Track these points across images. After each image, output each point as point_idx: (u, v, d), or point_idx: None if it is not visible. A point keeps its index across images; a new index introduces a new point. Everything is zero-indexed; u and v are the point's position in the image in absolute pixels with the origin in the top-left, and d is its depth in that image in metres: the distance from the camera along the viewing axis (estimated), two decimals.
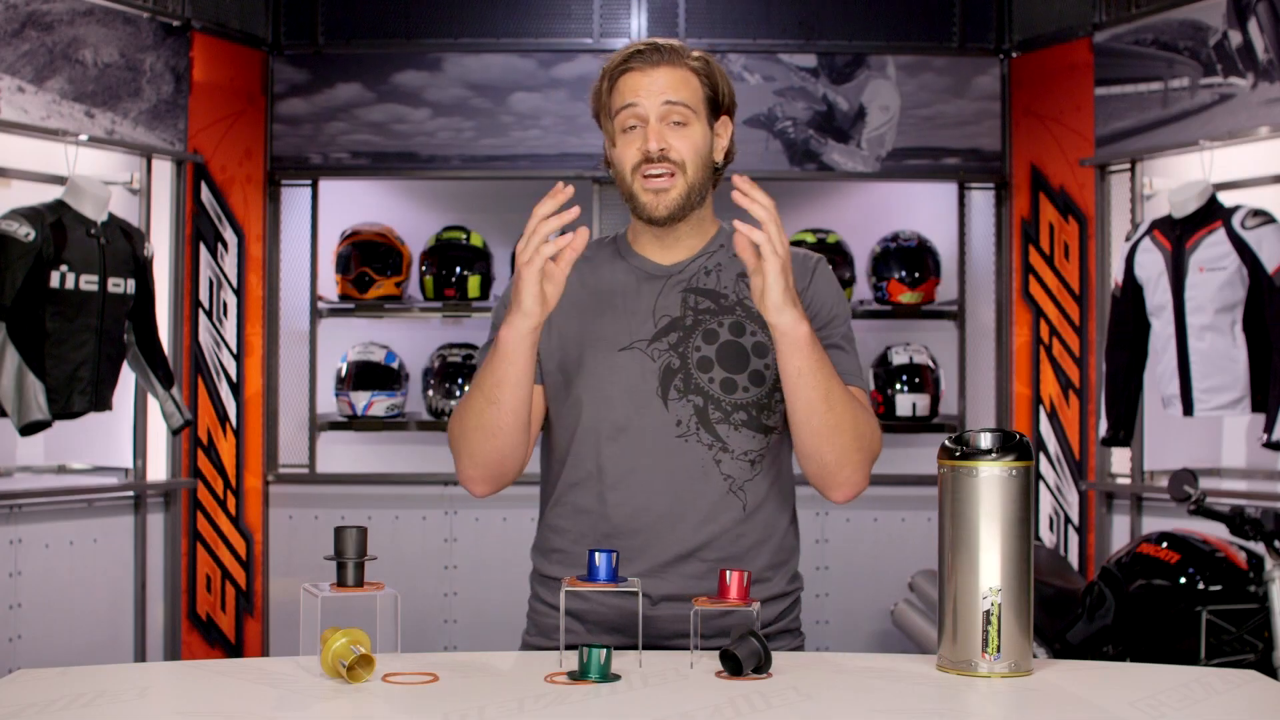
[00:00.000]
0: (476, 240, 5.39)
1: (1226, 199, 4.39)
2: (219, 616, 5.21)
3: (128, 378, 4.64)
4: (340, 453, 5.48)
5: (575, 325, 2.14)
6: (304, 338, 5.39)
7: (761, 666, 1.86)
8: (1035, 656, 1.90)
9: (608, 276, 2.17)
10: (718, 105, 2.14)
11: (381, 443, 5.48)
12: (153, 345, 4.60)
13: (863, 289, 5.47)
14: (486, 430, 2.05)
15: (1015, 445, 1.87)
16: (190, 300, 5.06)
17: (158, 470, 4.98)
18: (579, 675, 1.83)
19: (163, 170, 4.97)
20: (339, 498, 5.39)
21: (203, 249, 5.13)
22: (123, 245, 4.43)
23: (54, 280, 4.20)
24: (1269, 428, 4.11)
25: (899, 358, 5.36)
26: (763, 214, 1.89)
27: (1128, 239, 4.64)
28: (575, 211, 1.94)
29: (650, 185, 2.09)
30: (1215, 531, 3.70)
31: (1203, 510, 3.38)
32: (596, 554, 1.92)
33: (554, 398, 2.14)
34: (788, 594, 2.17)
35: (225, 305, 5.21)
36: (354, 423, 5.35)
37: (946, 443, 1.92)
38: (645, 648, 1.92)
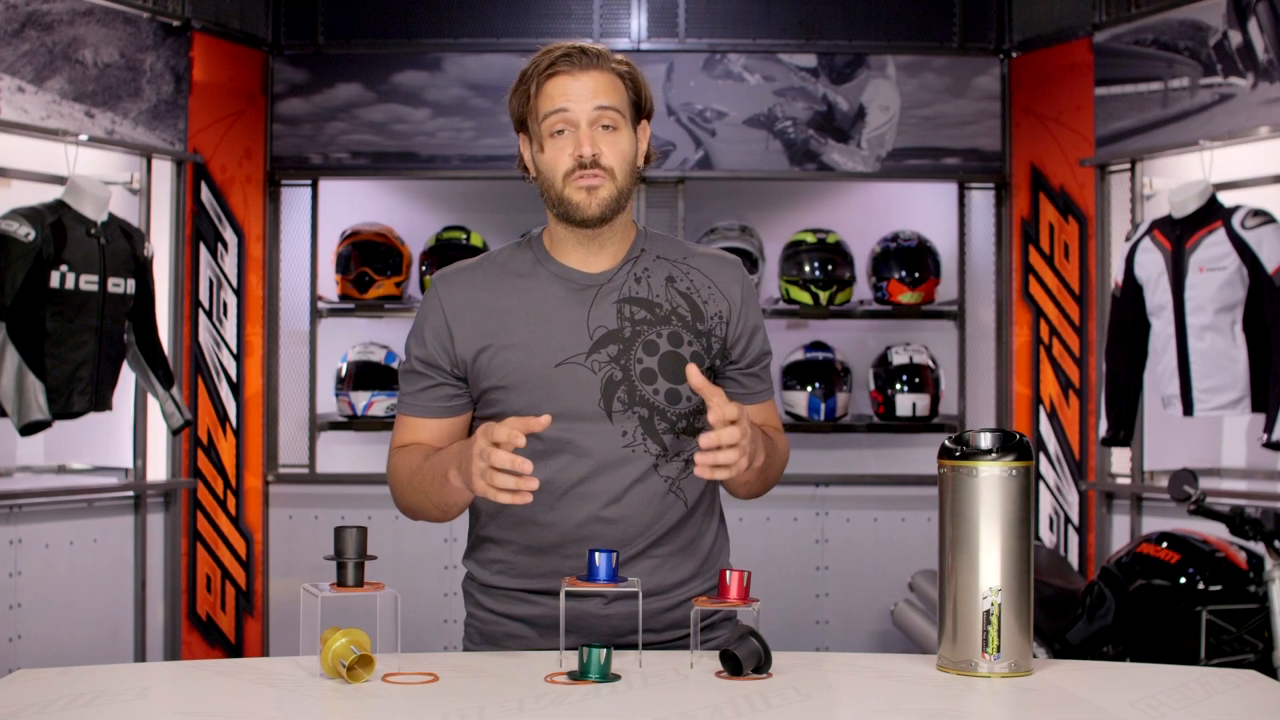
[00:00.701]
0: (476, 240, 5.38)
1: (1226, 199, 4.39)
2: (219, 616, 5.21)
3: (128, 378, 4.64)
4: (340, 453, 5.48)
5: (506, 340, 2.11)
6: (304, 338, 5.39)
7: (761, 666, 1.86)
8: (1035, 656, 1.91)
9: (532, 287, 2.14)
10: (640, 109, 2.16)
11: (381, 443, 5.46)
12: (153, 345, 4.60)
13: (863, 289, 5.47)
14: (432, 519, 2.15)
15: (1015, 445, 1.88)
16: (190, 300, 5.06)
17: (158, 470, 4.97)
18: (579, 675, 1.83)
19: (163, 170, 4.97)
20: (339, 498, 5.38)
21: (203, 249, 5.12)
22: (123, 245, 4.43)
23: (54, 280, 4.20)
24: (1269, 428, 4.10)
25: (899, 358, 5.36)
26: (735, 456, 1.90)
27: (1128, 239, 4.64)
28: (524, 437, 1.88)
29: (581, 184, 2.08)
30: (1215, 531, 3.69)
31: (1203, 510, 3.38)
32: (597, 554, 1.93)
33: (492, 415, 2.09)
34: None
35: (225, 305, 5.21)
36: (354, 423, 5.35)
37: (946, 443, 1.92)
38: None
